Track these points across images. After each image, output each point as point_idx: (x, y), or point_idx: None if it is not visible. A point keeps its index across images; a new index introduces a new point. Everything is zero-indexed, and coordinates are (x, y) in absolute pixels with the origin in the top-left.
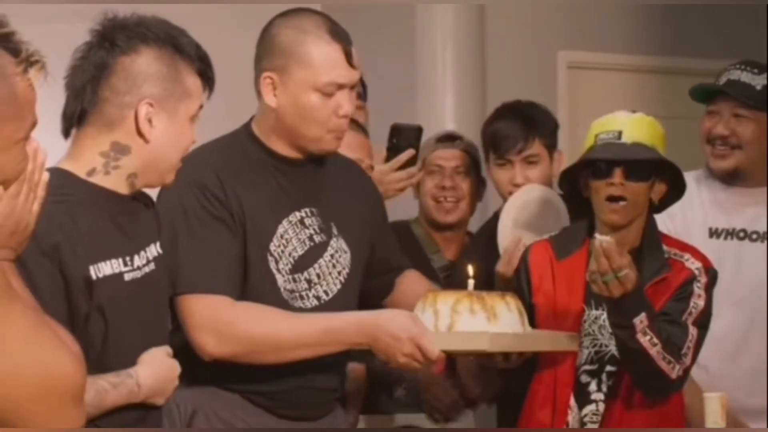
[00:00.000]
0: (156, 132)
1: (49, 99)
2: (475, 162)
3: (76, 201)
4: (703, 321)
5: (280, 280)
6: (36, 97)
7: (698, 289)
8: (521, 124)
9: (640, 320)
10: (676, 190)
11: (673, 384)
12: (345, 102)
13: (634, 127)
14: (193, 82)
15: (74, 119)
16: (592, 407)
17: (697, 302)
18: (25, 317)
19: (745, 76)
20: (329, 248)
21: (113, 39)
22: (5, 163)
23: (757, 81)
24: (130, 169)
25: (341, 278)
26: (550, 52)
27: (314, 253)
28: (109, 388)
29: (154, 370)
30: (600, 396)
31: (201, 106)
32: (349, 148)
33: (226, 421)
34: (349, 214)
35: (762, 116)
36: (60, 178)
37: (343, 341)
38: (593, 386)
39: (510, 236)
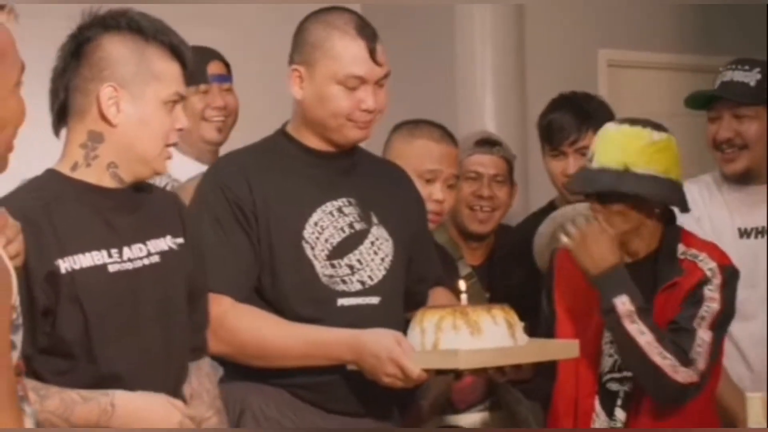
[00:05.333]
0: (123, 116)
1: None
2: (512, 169)
3: (53, 197)
4: (721, 322)
5: (317, 266)
6: (14, 41)
7: (710, 291)
8: (575, 116)
9: (622, 302)
10: (680, 199)
11: (685, 389)
12: (368, 97)
13: (604, 147)
14: (165, 67)
15: (59, 116)
16: (621, 415)
17: (710, 305)
18: None
19: (738, 75)
20: (370, 235)
21: (79, 31)
22: (5, 110)
23: (750, 77)
24: (108, 158)
25: (385, 265)
26: (589, 51)
27: (354, 240)
28: (79, 401)
29: (143, 403)
30: (623, 403)
31: (181, 95)
32: (430, 159)
33: (275, 420)
34: (389, 206)
35: (762, 111)
36: (46, 177)
37: (329, 356)
38: (622, 394)
39: (546, 252)
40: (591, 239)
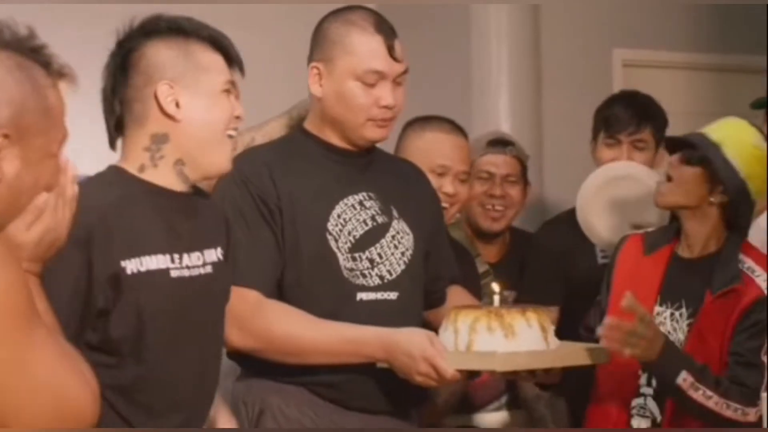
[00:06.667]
0: (184, 111)
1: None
2: (525, 168)
3: (123, 195)
4: None
5: (340, 258)
6: (66, 110)
7: None
8: (637, 112)
9: (683, 379)
10: (743, 207)
11: (755, 423)
12: (387, 93)
13: (722, 126)
14: (210, 58)
15: (115, 130)
16: (640, 400)
17: None
18: (48, 345)
19: None
20: (391, 229)
21: (120, 45)
22: (39, 176)
23: None
24: (174, 156)
25: (405, 259)
26: (604, 50)
27: (375, 233)
28: None
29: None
30: (649, 390)
31: (232, 82)
32: (441, 152)
33: (295, 420)
34: (407, 201)
35: None
36: (113, 174)
37: (361, 354)
38: (643, 380)
39: (590, 203)
40: (648, 341)
